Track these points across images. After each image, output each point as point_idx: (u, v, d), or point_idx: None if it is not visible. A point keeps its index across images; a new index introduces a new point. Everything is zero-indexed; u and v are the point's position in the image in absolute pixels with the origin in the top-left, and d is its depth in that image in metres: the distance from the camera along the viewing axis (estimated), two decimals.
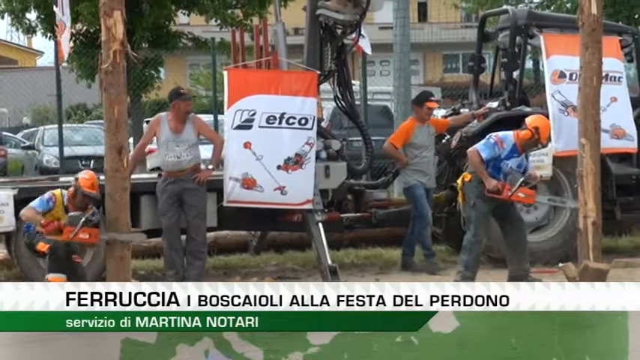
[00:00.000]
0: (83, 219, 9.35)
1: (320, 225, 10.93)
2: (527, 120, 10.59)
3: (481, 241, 10.49)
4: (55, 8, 12.40)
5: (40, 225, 9.47)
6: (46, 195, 9.66)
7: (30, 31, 21.12)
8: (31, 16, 20.99)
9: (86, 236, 9.33)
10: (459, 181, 10.63)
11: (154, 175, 11.24)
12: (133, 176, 10.29)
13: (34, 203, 9.64)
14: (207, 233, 10.97)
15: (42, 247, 9.46)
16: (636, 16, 25.97)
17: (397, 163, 12.06)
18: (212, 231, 11.48)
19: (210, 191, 10.85)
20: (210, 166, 10.85)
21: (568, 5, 26.51)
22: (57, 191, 9.77)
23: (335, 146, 11.63)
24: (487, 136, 10.52)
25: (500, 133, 10.49)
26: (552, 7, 27.47)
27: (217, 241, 12.57)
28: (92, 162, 21.15)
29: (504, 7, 23.22)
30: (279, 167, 10.96)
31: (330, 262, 10.62)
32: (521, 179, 10.30)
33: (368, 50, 13.36)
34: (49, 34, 20.28)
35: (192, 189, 10.62)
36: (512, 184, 10.29)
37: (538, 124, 10.55)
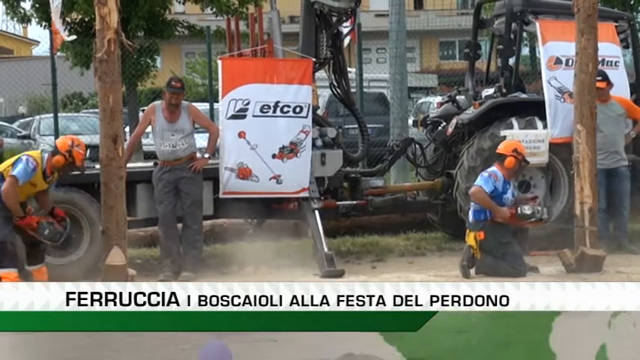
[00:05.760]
0: (63, 238, 9.53)
1: (316, 213, 10.94)
2: (500, 150, 10.54)
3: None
4: None
5: (17, 218, 9.46)
6: (30, 164, 9.41)
7: (25, 20, 21.01)
8: (26, 5, 20.93)
9: None
10: (472, 242, 10.22)
11: (150, 163, 11.22)
12: (128, 165, 10.31)
13: (18, 173, 9.35)
14: (203, 222, 10.96)
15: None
16: (632, 2, 25.90)
17: None
18: (208, 219, 11.46)
19: (206, 180, 10.84)
20: (206, 155, 10.83)
21: None
22: (37, 155, 9.62)
23: (331, 134, 11.61)
24: (479, 175, 10.47)
25: (488, 169, 10.48)
26: None
27: (214, 230, 12.54)
28: (88, 151, 21.09)
29: None
30: (274, 156, 10.96)
31: (326, 249, 10.62)
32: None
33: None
34: (44, 23, 20.22)
35: (188, 177, 10.60)
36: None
37: (512, 145, 10.52)
